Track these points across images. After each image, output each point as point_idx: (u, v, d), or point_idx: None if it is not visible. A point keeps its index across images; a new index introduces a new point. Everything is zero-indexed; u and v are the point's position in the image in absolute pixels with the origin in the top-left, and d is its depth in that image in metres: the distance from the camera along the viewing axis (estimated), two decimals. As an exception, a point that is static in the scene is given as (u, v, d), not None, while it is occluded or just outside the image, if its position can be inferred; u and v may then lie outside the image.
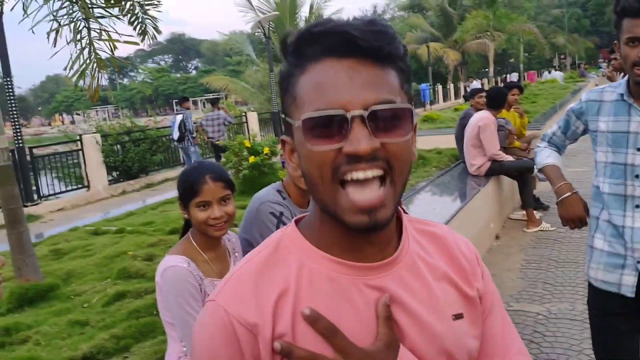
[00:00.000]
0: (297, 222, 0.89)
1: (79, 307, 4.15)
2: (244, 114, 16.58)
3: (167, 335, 2.20)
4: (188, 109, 11.96)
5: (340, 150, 0.73)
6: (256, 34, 24.10)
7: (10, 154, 4.76)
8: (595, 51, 60.16)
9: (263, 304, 0.78)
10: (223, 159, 9.27)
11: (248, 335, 0.76)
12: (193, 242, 2.13)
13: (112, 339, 3.36)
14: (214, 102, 12.44)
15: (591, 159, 2.22)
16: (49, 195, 10.67)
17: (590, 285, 2.14)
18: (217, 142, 11.36)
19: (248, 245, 2.40)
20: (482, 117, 6.24)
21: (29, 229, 6.89)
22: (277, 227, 2.28)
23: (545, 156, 2.32)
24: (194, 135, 11.32)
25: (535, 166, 2.39)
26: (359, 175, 0.73)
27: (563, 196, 2.15)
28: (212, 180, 2.03)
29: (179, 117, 11.26)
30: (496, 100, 6.30)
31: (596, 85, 15.71)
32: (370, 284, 0.80)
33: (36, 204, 9.86)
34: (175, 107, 69.21)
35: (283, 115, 0.84)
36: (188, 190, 2.04)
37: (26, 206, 9.33)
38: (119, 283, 4.55)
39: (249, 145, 8.42)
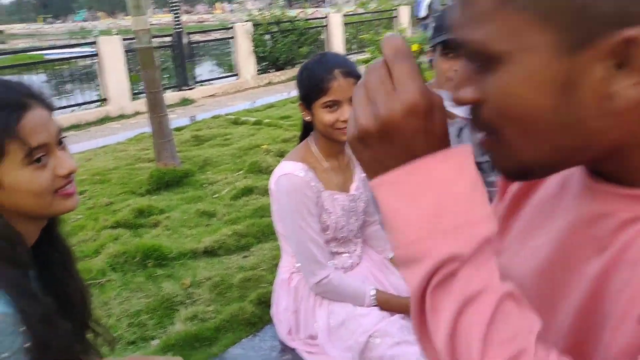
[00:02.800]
0: None
1: (209, 197, 4.18)
2: (394, 8, 15.53)
3: (281, 248, 2.01)
4: None
5: None
6: None
7: (152, 38, 4.71)
8: None
9: None
10: (368, 55, 8.81)
11: None
12: (314, 148, 1.85)
13: (234, 235, 3.30)
14: None
15: None
16: (203, 81, 11.07)
17: None
18: None
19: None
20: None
21: (184, 111, 7.17)
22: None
23: None
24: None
25: None
26: None
27: None
28: (343, 76, 1.70)
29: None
30: None
31: None
32: None
33: (191, 89, 10.29)
34: (328, -1, 68.68)
35: None
36: (314, 88, 1.73)
37: (183, 89, 9.86)
38: (249, 177, 4.50)
39: (397, 41, 7.75)
